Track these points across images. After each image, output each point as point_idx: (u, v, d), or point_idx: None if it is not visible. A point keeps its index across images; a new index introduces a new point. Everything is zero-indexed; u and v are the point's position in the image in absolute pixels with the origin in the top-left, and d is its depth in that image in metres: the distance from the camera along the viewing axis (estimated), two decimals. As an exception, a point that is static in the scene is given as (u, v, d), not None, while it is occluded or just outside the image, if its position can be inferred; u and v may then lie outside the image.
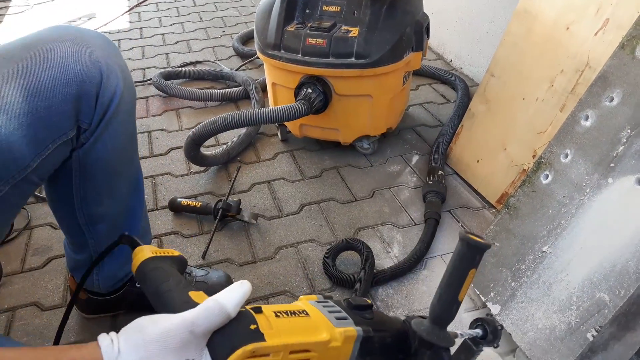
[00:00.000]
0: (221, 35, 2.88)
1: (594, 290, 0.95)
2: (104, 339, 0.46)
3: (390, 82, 1.63)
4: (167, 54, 2.67)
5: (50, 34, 0.80)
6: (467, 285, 0.60)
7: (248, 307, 0.51)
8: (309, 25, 1.58)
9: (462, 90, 2.06)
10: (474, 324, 0.66)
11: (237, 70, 2.43)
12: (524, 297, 1.07)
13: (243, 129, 1.84)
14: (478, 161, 1.61)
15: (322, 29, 1.54)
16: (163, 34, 2.91)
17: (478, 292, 1.18)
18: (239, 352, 0.45)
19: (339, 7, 1.60)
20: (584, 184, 1.03)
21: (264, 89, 2.10)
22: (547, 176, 1.12)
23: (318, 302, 0.58)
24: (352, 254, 1.35)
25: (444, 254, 1.39)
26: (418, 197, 1.60)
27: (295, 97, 1.60)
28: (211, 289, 0.64)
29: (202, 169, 1.76)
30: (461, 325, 1.19)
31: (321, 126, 1.72)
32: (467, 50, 2.35)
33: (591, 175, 1.02)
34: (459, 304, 0.60)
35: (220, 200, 1.48)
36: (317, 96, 1.56)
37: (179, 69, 2.42)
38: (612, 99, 1.02)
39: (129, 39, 2.86)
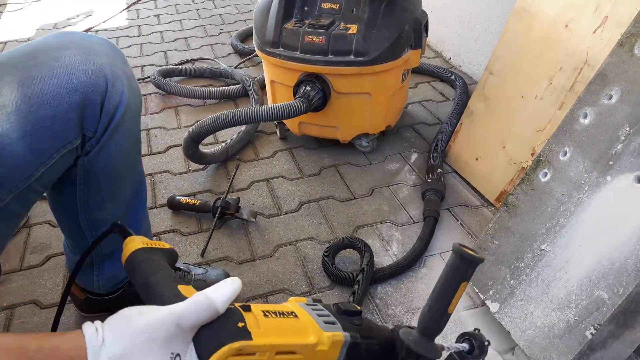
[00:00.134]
0: (220, 33, 2.88)
1: (592, 288, 0.95)
2: (88, 327, 0.46)
3: (389, 80, 1.63)
4: (165, 51, 2.66)
5: (55, 42, 0.79)
6: (458, 298, 0.59)
7: (237, 304, 0.51)
8: (308, 22, 1.57)
9: (461, 88, 2.06)
10: (461, 338, 0.66)
11: (235, 67, 2.43)
12: (522, 295, 1.07)
13: (242, 127, 1.84)
14: (477, 159, 1.61)
15: (321, 26, 1.54)
16: (161, 32, 2.90)
17: (477, 290, 1.18)
18: (225, 349, 0.45)
19: (338, 5, 1.60)
20: (582, 182, 1.03)
21: (262, 86, 2.10)
22: (545, 174, 1.12)
23: (307, 304, 0.57)
24: (351, 252, 1.35)
25: (443, 252, 1.39)
26: (417, 195, 1.60)
27: (294, 95, 1.60)
28: None
29: (201, 166, 1.75)
30: (460, 323, 1.19)
31: (320, 124, 1.72)
32: (466, 48, 2.34)
33: (590, 173, 1.02)
34: (448, 316, 0.60)
35: (219, 198, 1.48)
36: (316, 94, 1.56)
37: (177, 66, 2.42)
38: (610, 97, 1.02)
39: (127, 36, 2.86)
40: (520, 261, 1.10)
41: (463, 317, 1.20)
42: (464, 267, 0.58)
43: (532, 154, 1.41)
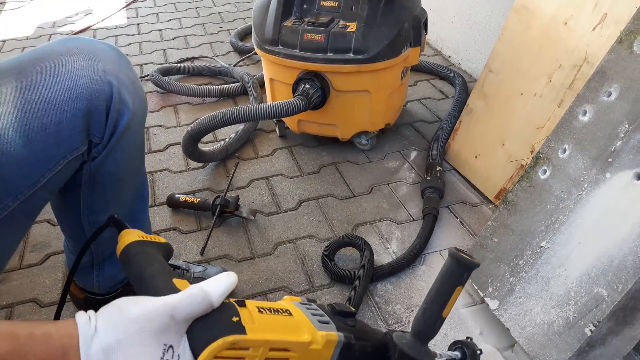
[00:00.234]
0: (219, 31, 2.88)
1: (591, 285, 0.95)
2: (81, 316, 0.45)
3: (388, 78, 1.63)
4: (164, 49, 2.66)
5: (60, 48, 0.79)
6: (452, 303, 0.59)
7: (232, 300, 0.50)
8: (307, 20, 1.57)
9: (460, 86, 2.06)
10: (453, 346, 0.66)
11: (235, 66, 2.43)
12: (522, 293, 1.07)
13: (241, 125, 1.84)
14: (476, 157, 1.61)
15: (320, 24, 1.53)
16: (160, 30, 2.90)
17: (476, 288, 1.18)
18: (219, 342, 0.44)
19: (337, 2, 1.60)
20: (581, 179, 1.03)
21: (261, 84, 2.10)
22: (545, 171, 1.12)
23: (302, 303, 0.57)
24: (351, 250, 1.35)
25: (442, 249, 1.39)
26: (416, 193, 1.60)
27: (293, 93, 1.60)
28: None
29: (200, 165, 1.75)
30: (460, 320, 1.19)
31: (319, 122, 1.72)
32: (465, 46, 2.34)
33: (589, 170, 1.02)
34: (442, 320, 0.60)
35: (218, 197, 1.48)
36: (315, 92, 1.56)
37: (176, 64, 2.41)
38: (610, 94, 1.02)
39: (126, 34, 2.86)
40: (520, 258, 1.11)
41: (462, 315, 1.20)
42: (459, 271, 0.58)
43: (532, 152, 1.41)
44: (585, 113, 1.06)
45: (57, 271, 1.35)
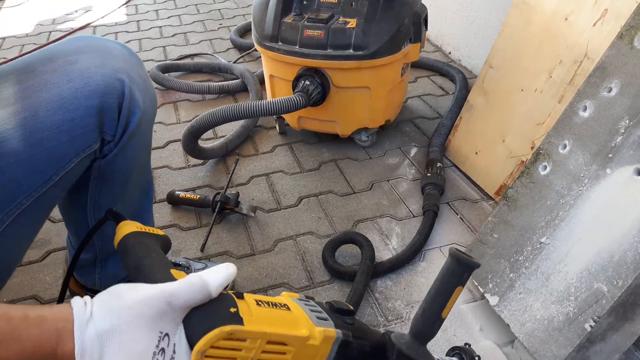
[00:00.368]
0: (219, 28, 2.87)
1: (592, 281, 0.95)
2: (77, 300, 0.45)
3: (388, 74, 1.62)
4: (164, 46, 2.66)
5: (72, 46, 0.80)
6: (452, 303, 0.59)
7: (231, 292, 0.50)
8: (307, 16, 1.57)
9: (460, 82, 2.06)
10: (452, 352, 0.66)
11: (234, 62, 2.42)
12: (522, 288, 1.07)
13: (241, 122, 1.84)
14: (476, 153, 1.61)
15: (320, 20, 1.53)
16: (160, 27, 2.89)
17: (476, 284, 1.18)
18: (216, 331, 0.44)
19: (337, -1, 1.59)
20: (582, 175, 1.03)
21: (261, 81, 2.09)
22: (545, 167, 1.12)
23: (300, 300, 0.57)
24: (351, 246, 1.35)
25: (442, 245, 1.39)
26: (416, 190, 1.60)
27: (293, 89, 1.59)
28: None
29: (200, 161, 1.75)
30: (460, 316, 1.19)
31: (319, 118, 1.71)
32: (465, 42, 2.34)
33: (589, 166, 1.02)
34: (442, 320, 0.59)
35: (218, 193, 1.48)
36: (315, 88, 1.56)
37: (176, 61, 2.41)
38: (610, 90, 1.02)
39: (126, 31, 2.85)
40: (520, 254, 1.10)
41: (463, 311, 1.20)
42: (460, 271, 0.58)
43: (532, 148, 1.40)
44: (585, 109, 1.06)
45: (58, 268, 1.35)
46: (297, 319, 0.52)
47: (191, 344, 0.44)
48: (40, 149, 0.73)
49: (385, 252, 1.37)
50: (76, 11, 3.20)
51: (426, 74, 2.29)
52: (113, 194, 0.93)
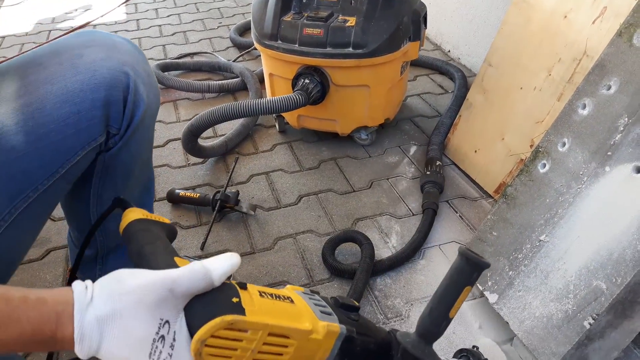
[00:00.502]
0: (218, 27, 2.87)
1: (590, 279, 0.95)
2: (78, 284, 0.45)
3: (387, 73, 1.62)
4: (164, 45, 2.65)
5: (78, 40, 0.80)
6: (460, 303, 0.58)
7: (234, 282, 0.49)
8: (306, 15, 1.57)
9: (459, 81, 2.06)
10: (459, 354, 0.65)
11: (234, 61, 2.42)
12: (521, 286, 1.08)
13: (241, 121, 1.84)
14: (476, 151, 1.61)
15: (319, 18, 1.53)
16: (160, 26, 2.89)
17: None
18: (217, 320, 0.43)
19: (336, -3, 1.59)
20: (581, 173, 1.03)
21: (261, 80, 2.09)
22: (544, 165, 1.12)
23: (304, 293, 0.56)
24: (350, 244, 1.35)
25: (442, 243, 1.40)
26: (416, 188, 1.60)
27: (293, 88, 1.59)
28: None
29: (200, 160, 1.75)
30: (459, 314, 1.19)
31: (319, 117, 1.71)
32: (465, 41, 2.34)
33: (588, 164, 1.02)
34: (449, 320, 0.58)
35: (218, 192, 1.48)
36: (315, 87, 1.56)
37: (176, 60, 2.41)
38: (609, 87, 1.02)
39: (126, 30, 2.85)
40: (519, 252, 1.11)
41: (462, 309, 1.21)
42: (469, 270, 0.57)
43: (531, 146, 1.41)
44: (584, 107, 1.06)
45: (58, 266, 1.35)
46: (300, 312, 0.51)
47: (192, 333, 0.44)
48: (47, 142, 0.73)
49: (384, 250, 1.38)
50: (76, 10, 3.20)
51: (425, 73, 2.29)
52: (116, 189, 0.94)
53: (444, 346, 1.13)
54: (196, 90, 2.14)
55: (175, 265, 0.49)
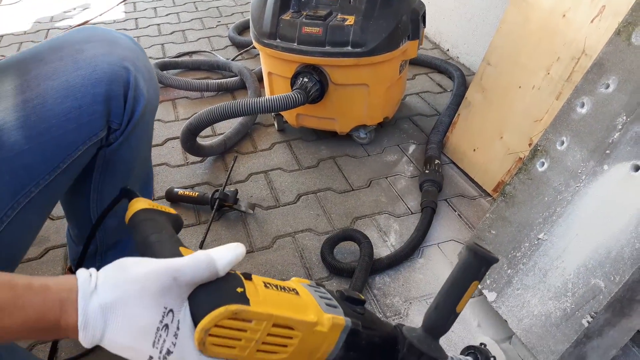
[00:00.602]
0: (217, 25, 2.87)
1: (589, 277, 0.95)
2: (82, 272, 0.45)
3: (386, 71, 1.63)
4: (162, 44, 2.65)
5: (79, 36, 0.81)
6: (467, 298, 0.57)
7: (238, 272, 0.49)
8: (305, 13, 1.57)
9: (458, 79, 2.06)
10: (466, 351, 0.64)
11: (233, 60, 2.42)
12: (519, 284, 1.08)
13: (239, 119, 1.84)
14: (474, 150, 1.61)
15: (318, 17, 1.53)
16: (159, 24, 2.89)
17: (474, 280, 1.18)
18: (221, 309, 0.43)
19: (335, -4, 1.59)
20: (579, 171, 1.03)
21: (260, 78, 2.09)
22: (543, 164, 1.12)
23: (310, 285, 0.56)
24: (349, 243, 1.35)
25: (441, 242, 1.40)
26: (415, 186, 1.60)
27: (292, 87, 1.59)
28: None
29: (199, 159, 1.75)
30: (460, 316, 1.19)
31: (318, 116, 1.71)
32: (463, 39, 2.34)
33: (587, 162, 1.02)
34: (456, 315, 0.58)
35: (217, 191, 1.48)
36: (314, 85, 1.56)
37: (175, 59, 2.41)
38: (607, 86, 1.02)
39: (124, 29, 2.84)
40: (518, 250, 1.11)
41: (461, 307, 1.21)
42: (477, 265, 0.56)
43: (530, 144, 1.41)
44: (583, 105, 1.06)
45: (57, 265, 1.35)
46: (305, 304, 0.51)
47: (196, 322, 0.44)
48: (48, 137, 0.74)
49: (383, 249, 1.38)
50: (74, 9, 3.20)
51: (424, 71, 2.30)
52: (115, 184, 0.94)
53: (442, 344, 1.13)
54: (195, 89, 2.14)
55: (181, 255, 0.48)
